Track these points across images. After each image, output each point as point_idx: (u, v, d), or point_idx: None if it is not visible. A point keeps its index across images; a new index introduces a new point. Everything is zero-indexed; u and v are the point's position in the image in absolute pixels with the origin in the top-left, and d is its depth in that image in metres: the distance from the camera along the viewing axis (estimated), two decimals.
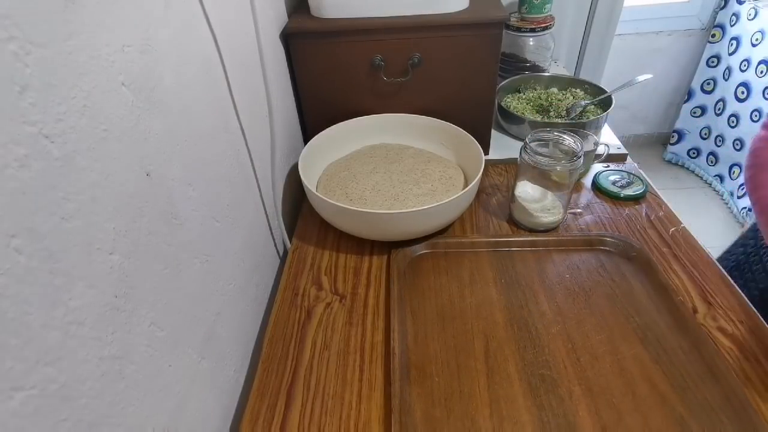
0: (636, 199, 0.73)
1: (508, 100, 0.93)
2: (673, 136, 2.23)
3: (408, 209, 0.58)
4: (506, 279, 0.61)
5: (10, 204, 0.23)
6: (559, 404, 0.47)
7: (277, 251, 0.71)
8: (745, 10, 1.83)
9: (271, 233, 0.68)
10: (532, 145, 0.63)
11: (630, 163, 0.82)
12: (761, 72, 1.76)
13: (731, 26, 1.90)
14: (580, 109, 0.88)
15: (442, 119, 0.76)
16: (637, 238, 0.66)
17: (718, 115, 2.00)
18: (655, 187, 0.76)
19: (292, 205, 0.78)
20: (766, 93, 1.74)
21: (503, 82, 0.95)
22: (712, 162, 2.08)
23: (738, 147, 1.90)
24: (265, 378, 0.51)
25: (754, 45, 1.79)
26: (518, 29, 1.04)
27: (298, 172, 0.66)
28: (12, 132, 0.24)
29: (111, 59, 0.32)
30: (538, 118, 0.88)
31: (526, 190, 0.67)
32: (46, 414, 0.25)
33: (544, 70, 1.08)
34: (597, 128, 0.86)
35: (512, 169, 0.83)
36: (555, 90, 0.96)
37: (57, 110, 0.27)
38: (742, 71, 1.85)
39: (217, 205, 0.49)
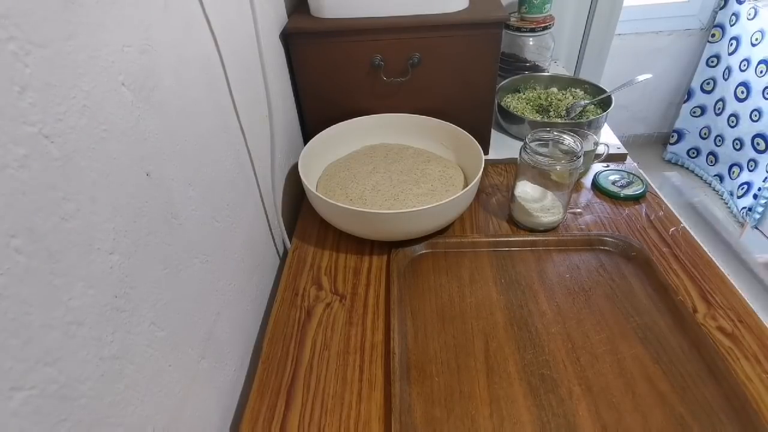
0: (636, 199, 0.73)
1: (508, 100, 0.93)
2: (672, 136, 2.23)
3: (408, 209, 0.58)
4: (506, 279, 0.61)
5: (10, 204, 0.23)
6: (559, 404, 0.47)
7: (277, 251, 0.71)
8: (744, 9, 1.83)
9: (271, 233, 0.68)
10: (532, 144, 0.63)
11: (630, 163, 0.82)
12: (761, 72, 1.76)
13: (731, 26, 1.90)
14: (580, 108, 0.88)
15: (442, 119, 0.76)
16: (637, 238, 0.66)
17: (717, 114, 2.00)
18: (654, 187, 0.76)
19: (292, 205, 0.78)
20: (765, 93, 1.74)
21: (503, 82, 0.95)
22: (711, 162, 2.08)
23: (738, 147, 1.90)
24: (265, 378, 0.51)
25: (753, 45, 1.79)
26: (518, 29, 1.04)
27: (298, 172, 0.66)
28: (12, 132, 0.23)
29: (111, 59, 0.32)
30: (538, 118, 0.88)
31: (525, 189, 0.67)
32: (46, 414, 0.25)
33: (543, 70, 1.08)
34: (597, 128, 0.86)
35: (512, 169, 0.83)
36: (555, 90, 0.96)
37: (57, 110, 0.27)
38: (742, 71, 1.85)
39: (217, 205, 0.49)
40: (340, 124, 0.77)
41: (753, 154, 1.83)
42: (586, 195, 0.75)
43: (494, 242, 0.66)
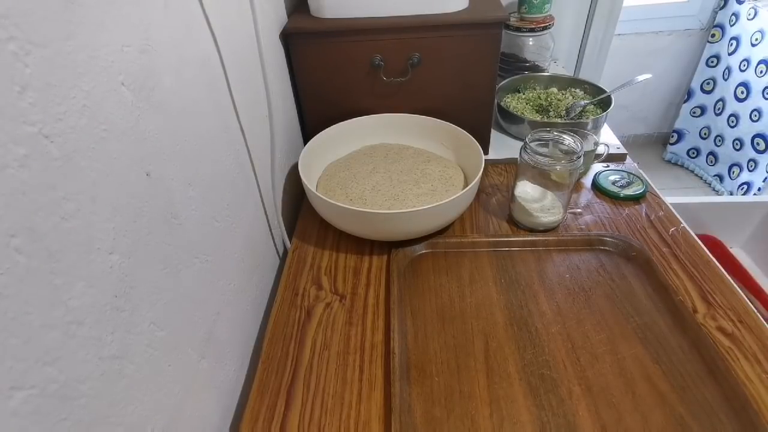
0: (636, 199, 0.73)
1: (508, 100, 0.93)
2: (672, 136, 2.23)
3: (408, 209, 0.58)
4: (506, 279, 0.61)
5: (10, 204, 0.23)
6: (559, 404, 0.47)
7: (277, 251, 0.71)
8: (744, 10, 1.83)
9: (271, 233, 0.68)
10: (532, 144, 0.63)
11: (630, 163, 0.82)
12: (761, 72, 1.76)
13: (731, 26, 1.90)
14: (580, 108, 0.88)
15: (442, 119, 0.76)
16: (637, 238, 0.66)
17: (717, 114, 2.01)
18: (654, 187, 0.76)
19: (292, 205, 0.78)
20: (765, 93, 1.75)
21: (503, 82, 0.95)
22: (711, 162, 2.08)
23: (738, 147, 1.90)
24: (265, 378, 0.51)
25: (753, 45, 1.79)
26: (518, 29, 1.04)
27: (298, 172, 0.66)
28: (12, 132, 0.24)
29: (110, 59, 0.32)
30: (538, 118, 0.88)
31: (525, 189, 0.67)
32: (46, 414, 0.25)
33: (543, 70, 1.08)
34: (597, 128, 0.86)
35: (512, 169, 0.83)
36: (555, 90, 0.96)
37: (57, 110, 0.27)
38: (742, 71, 1.85)
39: (217, 205, 0.49)
40: (340, 124, 0.77)
41: (753, 154, 1.83)
42: (586, 195, 0.75)
43: (494, 242, 0.66)
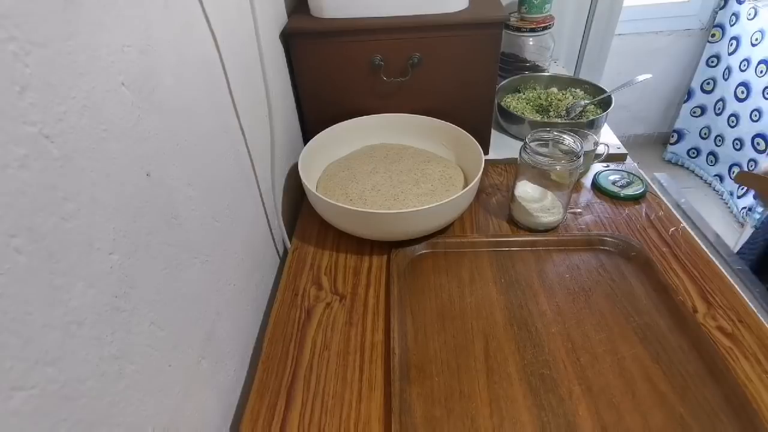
0: (636, 199, 0.73)
1: (508, 99, 0.93)
2: (672, 136, 2.23)
3: (408, 209, 0.58)
4: (506, 279, 0.61)
5: (10, 204, 0.23)
6: (559, 404, 0.47)
7: (277, 251, 0.71)
8: (744, 9, 1.83)
9: (271, 233, 0.68)
10: (532, 144, 0.63)
11: (630, 163, 0.82)
12: (761, 72, 1.76)
13: (731, 26, 1.90)
14: (580, 108, 0.88)
15: (442, 119, 0.76)
16: (637, 238, 0.66)
17: (717, 114, 2.01)
18: (654, 187, 0.76)
19: (292, 205, 0.78)
20: (765, 93, 1.74)
21: (503, 82, 0.95)
22: (711, 162, 2.08)
23: (738, 147, 1.90)
24: (265, 378, 0.51)
25: (753, 45, 1.79)
26: (518, 29, 1.04)
27: (298, 172, 0.66)
28: (12, 132, 0.24)
29: (111, 59, 0.32)
30: (538, 118, 0.88)
31: (525, 189, 0.67)
32: (46, 414, 0.25)
33: (543, 70, 1.08)
34: (597, 128, 0.86)
35: (512, 169, 0.83)
36: (555, 90, 0.96)
37: (57, 110, 0.27)
38: (742, 71, 1.85)
39: (217, 205, 0.49)
40: (340, 124, 0.77)
41: (753, 154, 1.83)
42: (586, 195, 0.75)
43: (494, 242, 0.66)
